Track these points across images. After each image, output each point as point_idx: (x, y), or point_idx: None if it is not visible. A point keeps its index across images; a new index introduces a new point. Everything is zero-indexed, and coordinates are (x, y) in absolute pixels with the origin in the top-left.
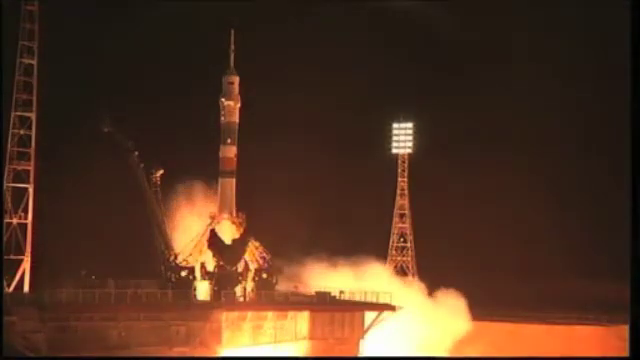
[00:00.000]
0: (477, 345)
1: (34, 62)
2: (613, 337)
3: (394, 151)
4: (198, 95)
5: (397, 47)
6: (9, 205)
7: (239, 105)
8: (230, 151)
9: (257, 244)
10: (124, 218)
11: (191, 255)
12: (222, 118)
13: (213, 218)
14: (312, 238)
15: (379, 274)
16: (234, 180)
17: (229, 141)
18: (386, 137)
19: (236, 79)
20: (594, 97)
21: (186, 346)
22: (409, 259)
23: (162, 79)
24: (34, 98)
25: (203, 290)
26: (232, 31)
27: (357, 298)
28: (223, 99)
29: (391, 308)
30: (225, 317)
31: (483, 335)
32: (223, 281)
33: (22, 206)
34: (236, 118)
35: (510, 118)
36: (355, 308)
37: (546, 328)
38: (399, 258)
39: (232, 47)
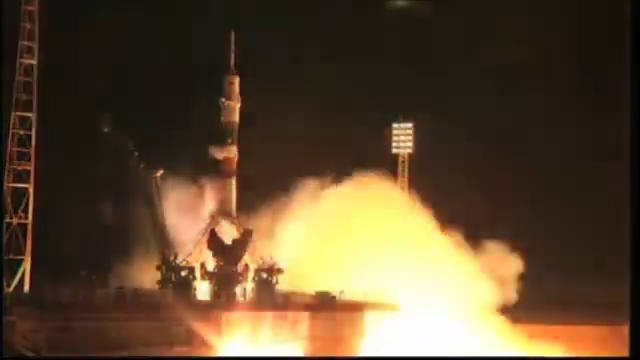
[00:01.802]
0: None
1: (34, 62)
2: (613, 337)
3: (394, 151)
4: (198, 95)
5: (397, 47)
6: (9, 205)
7: (239, 105)
8: (230, 151)
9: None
10: (124, 218)
11: (191, 255)
12: (222, 118)
13: (213, 218)
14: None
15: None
16: (234, 180)
17: (229, 141)
18: (386, 137)
19: (236, 79)
20: (595, 96)
21: (186, 346)
22: None
23: (162, 79)
24: (34, 98)
25: (203, 290)
26: (232, 31)
27: (357, 298)
28: (223, 99)
29: (391, 308)
30: (225, 317)
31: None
32: (223, 281)
33: (22, 206)
34: (236, 118)
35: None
36: (355, 308)
37: (546, 328)
38: None
39: (232, 47)
